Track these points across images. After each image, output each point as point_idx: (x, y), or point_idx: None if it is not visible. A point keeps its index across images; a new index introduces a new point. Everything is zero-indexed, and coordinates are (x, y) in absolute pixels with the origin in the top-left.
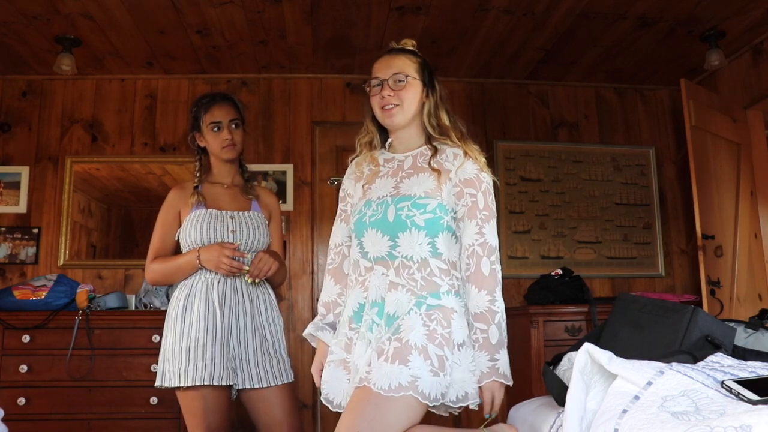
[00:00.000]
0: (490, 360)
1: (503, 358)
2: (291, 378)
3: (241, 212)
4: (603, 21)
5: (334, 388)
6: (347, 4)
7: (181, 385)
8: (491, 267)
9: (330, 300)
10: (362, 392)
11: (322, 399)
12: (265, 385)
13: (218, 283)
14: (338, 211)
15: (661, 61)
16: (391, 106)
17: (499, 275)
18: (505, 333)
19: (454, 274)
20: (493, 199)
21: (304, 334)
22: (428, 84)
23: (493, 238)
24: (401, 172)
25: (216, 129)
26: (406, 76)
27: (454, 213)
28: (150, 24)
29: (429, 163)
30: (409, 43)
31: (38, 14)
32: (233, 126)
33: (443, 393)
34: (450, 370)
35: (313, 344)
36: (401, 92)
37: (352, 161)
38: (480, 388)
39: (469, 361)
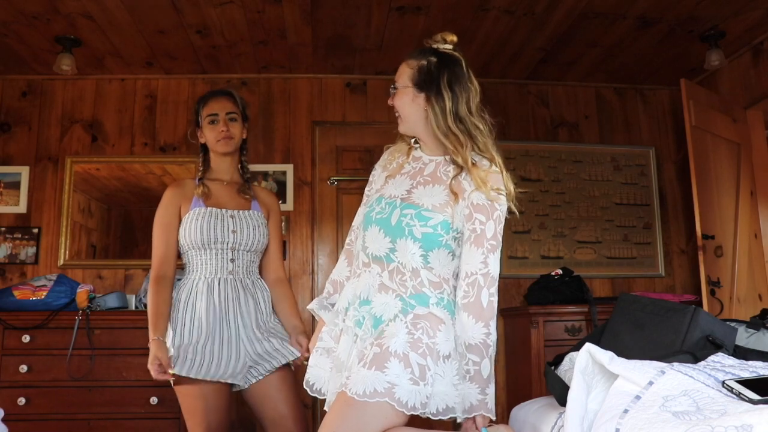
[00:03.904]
0: (480, 393)
1: (492, 393)
2: (295, 354)
3: (241, 211)
4: (603, 21)
5: (315, 373)
6: (347, 4)
7: (190, 375)
8: (490, 299)
9: (338, 280)
10: (341, 396)
11: (303, 382)
12: (269, 369)
13: (218, 282)
14: (365, 193)
15: (661, 61)
16: (396, 114)
17: (496, 307)
18: (493, 367)
19: (445, 289)
20: (502, 228)
21: (308, 307)
22: (427, 90)
23: (495, 269)
24: (420, 177)
25: (212, 122)
26: (395, 84)
27: (458, 233)
28: (150, 24)
29: (450, 183)
30: (439, 38)
31: (38, 14)
32: (230, 119)
33: (423, 403)
34: (432, 380)
35: (316, 318)
36: (396, 101)
37: (388, 148)
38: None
39: (453, 374)
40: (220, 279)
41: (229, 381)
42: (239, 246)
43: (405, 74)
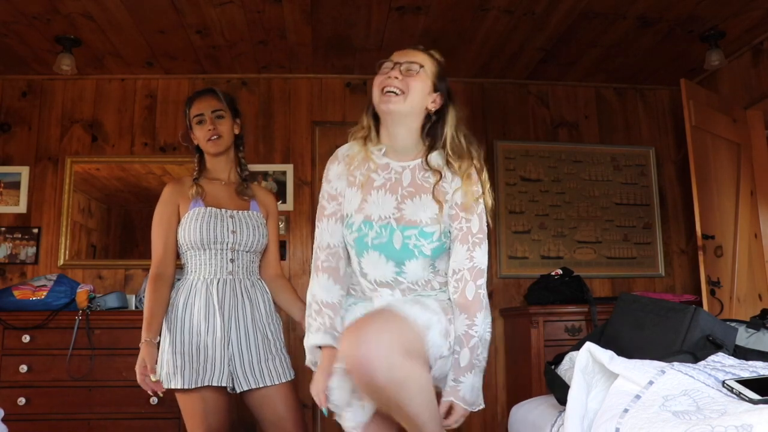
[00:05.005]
0: (453, 381)
1: (467, 382)
2: (293, 375)
3: (241, 211)
4: (603, 21)
5: (340, 396)
6: (347, 4)
7: (185, 387)
8: (476, 291)
9: (334, 302)
10: (384, 309)
11: (329, 405)
12: (268, 384)
13: (217, 283)
14: (327, 208)
15: (661, 61)
16: (394, 91)
17: (485, 299)
18: (480, 358)
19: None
20: (487, 218)
21: (313, 343)
22: (443, 92)
23: (482, 261)
24: (401, 189)
25: (200, 122)
26: (421, 66)
27: (449, 233)
28: (150, 24)
29: (432, 191)
30: (436, 54)
31: (38, 14)
32: (216, 117)
33: (436, 359)
34: (443, 353)
35: (313, 358)
36: (410, 79)
37: (339, 154)
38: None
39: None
40: (219, 279)
41: (223, 384)
42: (239, 246)
43: (428, 63)
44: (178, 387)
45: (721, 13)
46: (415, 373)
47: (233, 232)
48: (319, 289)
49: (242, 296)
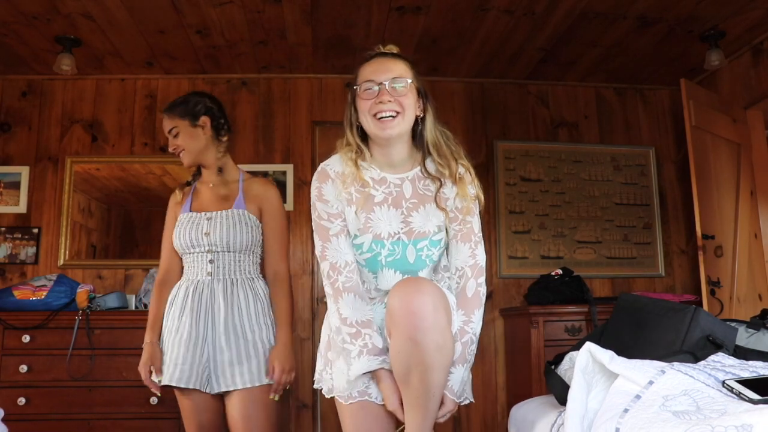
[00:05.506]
0: None
1: (457, 375)
2: (271, 380)
3: (220, 212)
4: (603, 21)
5: None
6: (347, 4)
7: (167, 384)
8: (476, 288)
9: (369, 319)
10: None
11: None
12: (240, 387)
13: (196, 285)
14: (331, 228)
15: (661, 61)
16: (390, 115)
17: (483, 296)
18: (470, 352)
19: (444, 275)
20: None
21: (359, 371)
22: (423, 96)
23: (483, 259)
24: (405, 203)
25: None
26: (409, 81)
27: (448, 233)
28: (150, 24)
29: (435, 199)
30: (395, 50)
31: (38, 14)
32: (174, 135)
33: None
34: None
35: (351, 389)
36: (402, 98)
37: (330, 172)
38: None
39: None
40: (198, 281)
41: (190, 387)
42: (215, 247)
43: (409, 73)
44: (160, 381)
45: (721, 13)
46: (450, 343)
47: (206, 234)
48: (350, 310)
49: (219, 297)
